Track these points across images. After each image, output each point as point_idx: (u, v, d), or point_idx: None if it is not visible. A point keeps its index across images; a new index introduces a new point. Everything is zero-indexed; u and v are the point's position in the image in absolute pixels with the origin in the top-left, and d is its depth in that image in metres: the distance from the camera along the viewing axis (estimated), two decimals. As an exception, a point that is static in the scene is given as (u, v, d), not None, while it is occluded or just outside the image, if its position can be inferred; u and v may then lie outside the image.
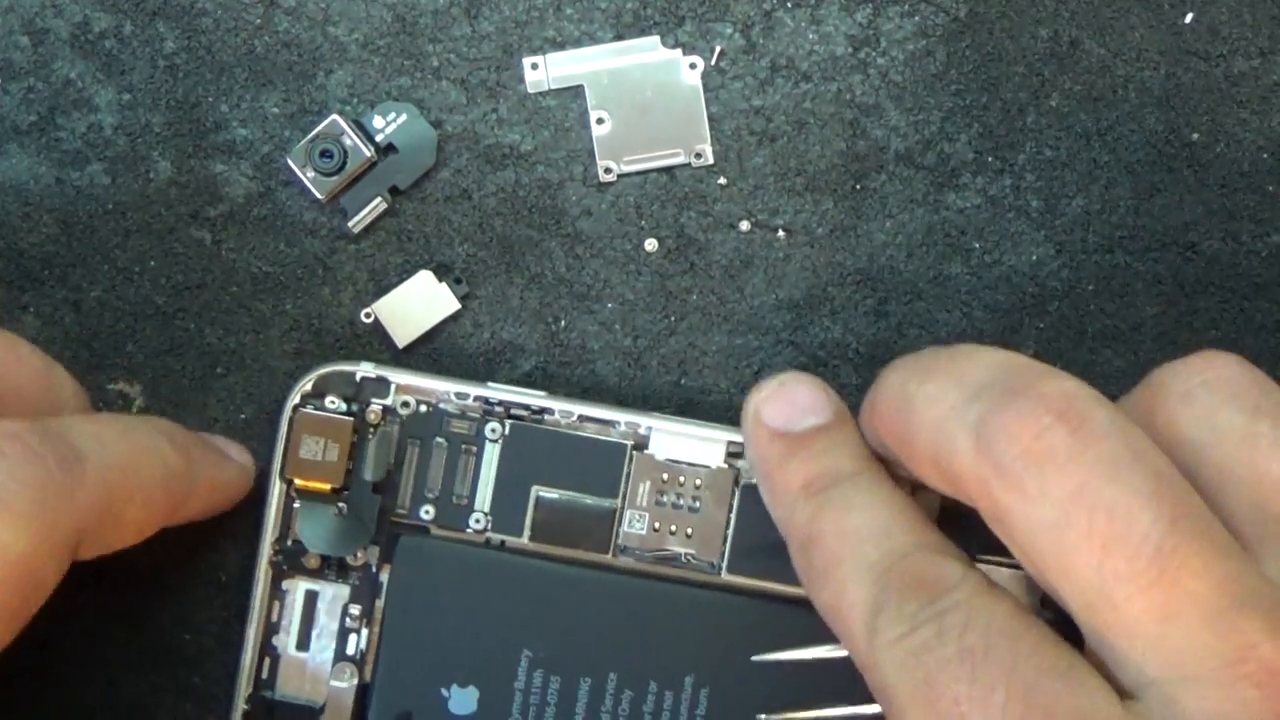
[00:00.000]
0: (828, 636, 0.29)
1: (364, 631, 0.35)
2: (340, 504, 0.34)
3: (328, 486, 0.34)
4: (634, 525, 0.35)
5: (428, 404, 0.35)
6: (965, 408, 0.26)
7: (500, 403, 0.35)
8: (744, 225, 0.38)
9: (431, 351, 0.38)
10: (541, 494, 0.35)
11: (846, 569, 0.27)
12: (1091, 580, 0.23)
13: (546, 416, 0.35)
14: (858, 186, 0.38)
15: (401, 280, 0.37)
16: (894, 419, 0.28)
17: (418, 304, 0.37)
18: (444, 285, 0.37)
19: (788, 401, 0.31)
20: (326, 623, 0.35)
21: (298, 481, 0.34)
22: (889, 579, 0.26)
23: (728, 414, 0.36)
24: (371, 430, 0.35)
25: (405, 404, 0.35)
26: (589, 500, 0.35)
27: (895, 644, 0.25)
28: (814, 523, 0.29)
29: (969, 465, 0.25)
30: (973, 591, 0.25)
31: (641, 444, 0.35)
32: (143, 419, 0.34)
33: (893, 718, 0.25)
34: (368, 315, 0.37)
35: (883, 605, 0.26)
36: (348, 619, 0.35)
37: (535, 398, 0.35)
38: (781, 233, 0.38)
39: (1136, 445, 0.24)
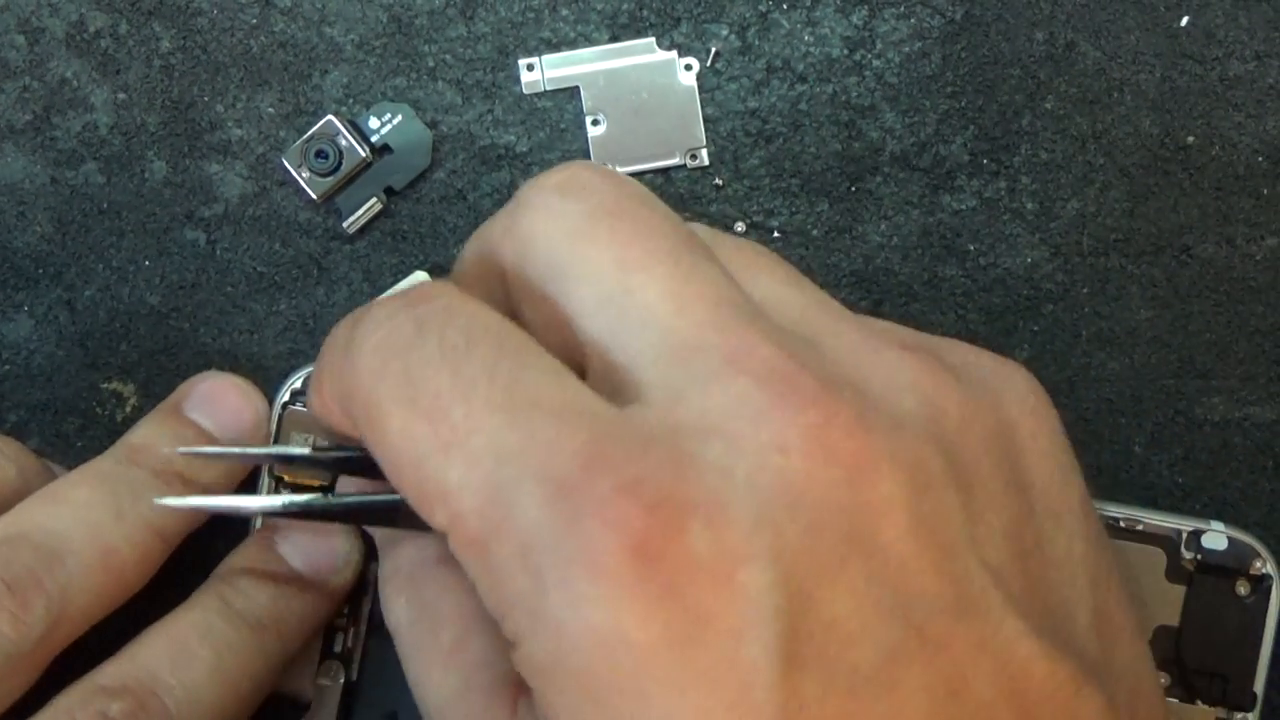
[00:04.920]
0: None
1: (351, 630, 0.35)
2: None
3: (316, 483, 0.34)
4: None
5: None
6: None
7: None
8: (740, 226, 0.38)
9: (425, 352, 0.37)
10: None
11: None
12: (607, 284, 0.23)
13: None
14: (853, 188, 0.38)
15: (396, 281, 0.37)
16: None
17: (412, 304, 0.37)
18: (438, 286, 0.37)
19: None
20: None
21: (286, 478, 0.34)
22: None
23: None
24: None
25: None
26: None
27: (372, 348, 0.23)
28: None
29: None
30: (456, 297, 0.24)
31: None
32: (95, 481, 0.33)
33: (375, 430, 0.23)
34: (362, 315, 0.37)
35: (359, 318, 0.24)
36: (336, 617, 0.35)
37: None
38: (777, 234, 0.38)
39: None
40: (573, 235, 0.24)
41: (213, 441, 0.34)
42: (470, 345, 0.23)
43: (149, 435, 0.34)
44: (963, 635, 0.21)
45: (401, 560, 0.27)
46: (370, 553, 0.34)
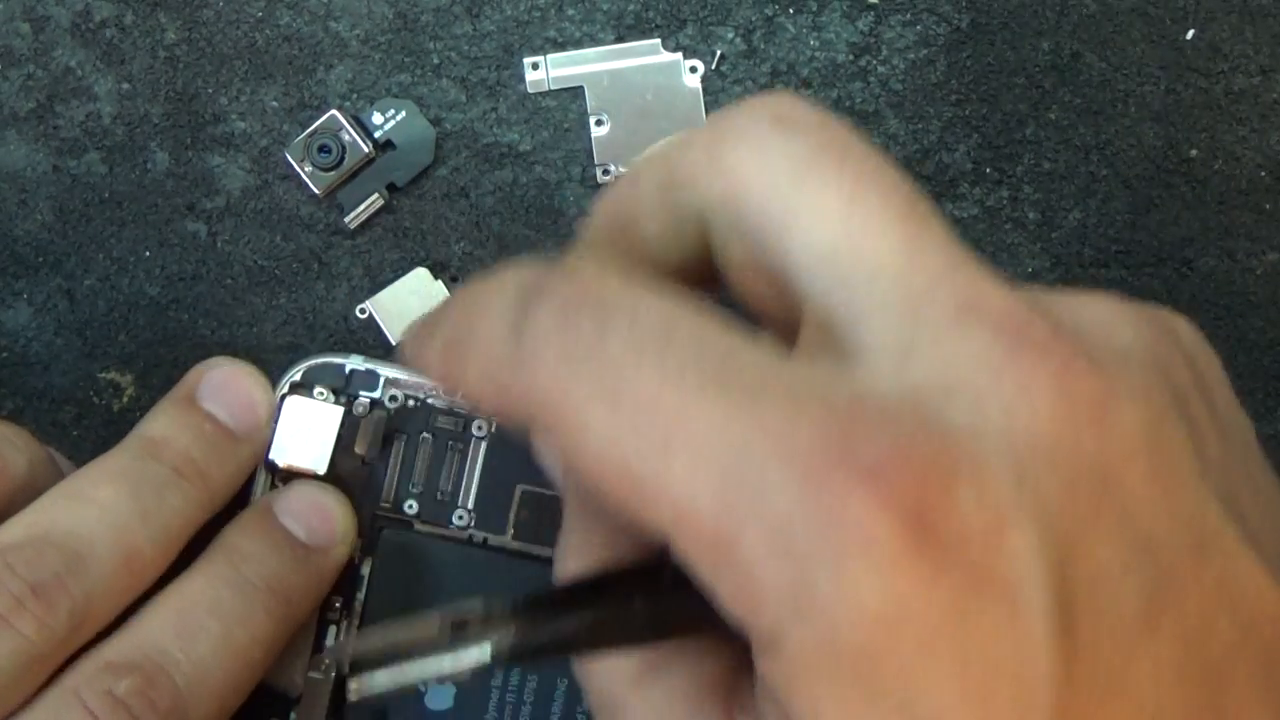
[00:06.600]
0: None
1: (344, 624, 0.35)
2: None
3: (313, 473, 0.34)
4: None
5: (415, 398, 0.35)
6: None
7: (489, 400, 0.35)
8: (740, 230, 0.38)
9: (424, 348, 0.37)
10: (526, 492, 0.35)
11: None
12: (834, 230, 0.21)
13: None
14: (855, 194, 0.38)
15: (397, 277, 0.37)
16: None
17: (413, 301, 0.37)
18: (439, 283, 0.37)
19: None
20: None
21: (281, 465, 0.34)
22: None
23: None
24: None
25: (393, 397, 0.35)
26: None
27: (555, 356, 0.21)
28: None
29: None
30: (632, 285, 0.22)
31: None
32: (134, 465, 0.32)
33: (571, 438, 0.21)
34: (362, 311, 0.37)
35: (526, 310, 0.22)
36: (328, 611, 0.35)
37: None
38: (777, 239, 0.38)
39: None
40: (796, 176, 0.22)
41: (229, 433, 0.33)
42: (669, 334, 0.21)
43: (166, 428, 0.33)
44: (1205, 575, 0.21)
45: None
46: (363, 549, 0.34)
